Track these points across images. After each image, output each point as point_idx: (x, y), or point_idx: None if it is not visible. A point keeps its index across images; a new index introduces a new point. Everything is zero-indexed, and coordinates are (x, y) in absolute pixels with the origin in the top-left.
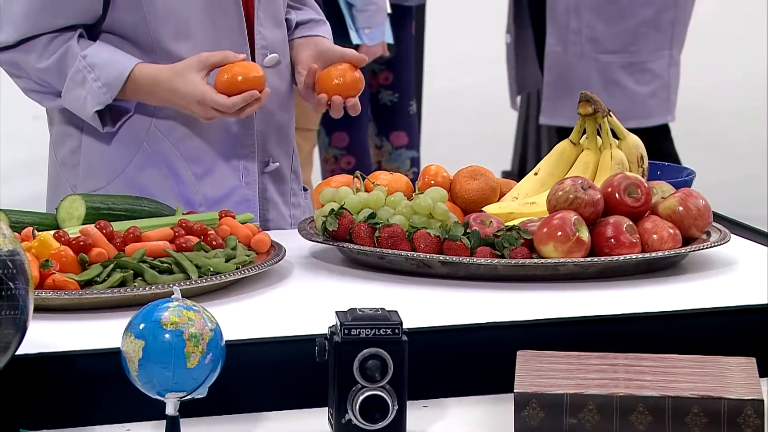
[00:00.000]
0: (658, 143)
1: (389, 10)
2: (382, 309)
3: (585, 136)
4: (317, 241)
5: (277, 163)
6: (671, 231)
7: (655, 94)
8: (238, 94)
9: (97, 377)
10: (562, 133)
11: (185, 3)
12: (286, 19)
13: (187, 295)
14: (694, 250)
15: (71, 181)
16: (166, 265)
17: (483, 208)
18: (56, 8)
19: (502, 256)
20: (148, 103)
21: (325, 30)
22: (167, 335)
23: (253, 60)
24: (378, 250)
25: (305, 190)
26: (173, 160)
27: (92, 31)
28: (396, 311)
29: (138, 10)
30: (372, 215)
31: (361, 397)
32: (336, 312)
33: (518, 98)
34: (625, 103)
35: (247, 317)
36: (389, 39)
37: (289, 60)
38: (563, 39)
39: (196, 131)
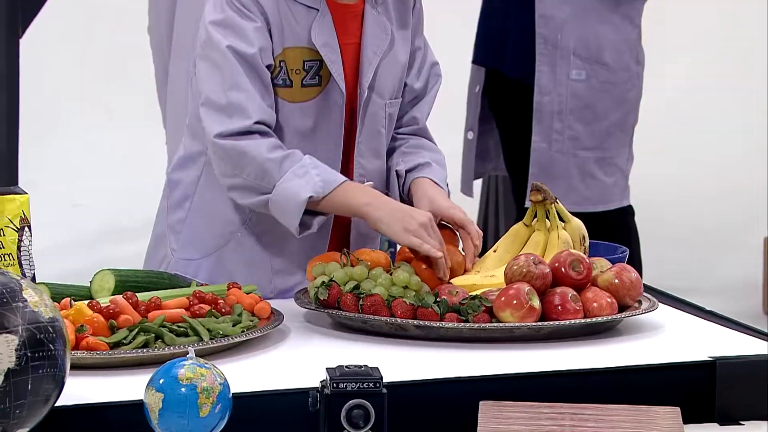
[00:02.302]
0: (626, 221)
1: None
2: (366, 366)
3: (536, 219)
4: (310, 308)
5: None
6: (609, 300)
7: (616, 184)
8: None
9: (123, 425)
10: (518, 216)
11: (293, 128)
12: (396, 171)
13: (199, 354)
14: (627, 316)
15: (172, 244)
16: (182, 329)
17: (450, 280)
18: (273, 102)
19: (467, 321)
20: (347, 206)
21: (432, 172)
22: (183, 389)
23: None
24: (362, 315)
25: None
26: (259, 253)
27: None
28: (377, 368)
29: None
30: (356, 286)
31: None
32: (326, 368)
33: (473, 183)
34: (596, 191)
35: (251, 373)
36: None
37: (383, 188)
38: (548, 138)
39: (289, 236)
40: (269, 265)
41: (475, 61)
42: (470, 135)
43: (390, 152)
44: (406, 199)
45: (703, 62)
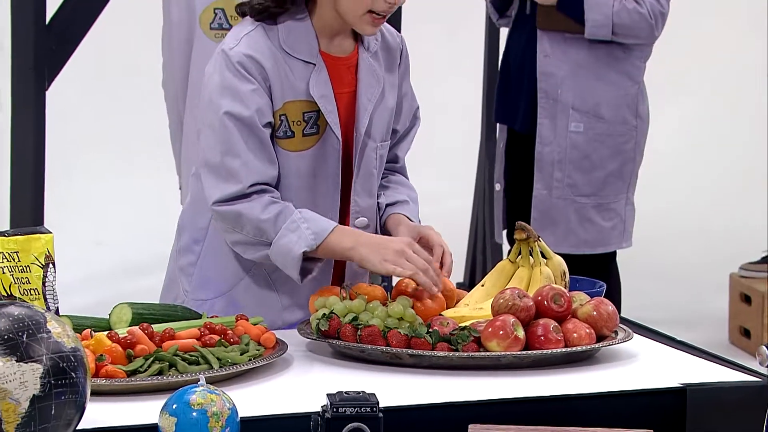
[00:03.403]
0: (608, 264)
1: None
2: (363, 392)
3: (520, 256)
4: (312, 339)
5: None
6: (588, 330)
7: (614, 228)
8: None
9: None
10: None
11: (295, 174)
12: (377, 203)
13: (210, 381)
14: (605, 346)
15: (185, 286)
16: (194, 357)
17: (441, 313)
18: (271, 158)
19: (457, 350)
20: (335, 253)
21: (408, 209)
22: (194, 413)
23: (346, 221)
24: (360, 345)
25: None
26: (269, 291)
27: None
28: (374, 393)
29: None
30: (355, 318)
31: None
32: (327, 394)
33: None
34: (594, 235)
35: (258, 398)
36: None
37: (376, 223)
38: (548, 185)
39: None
40: (279, 302)
41: (496, 120)
42: (498, 186)
43: None
44: (382, 229)
45: (690, 108)
